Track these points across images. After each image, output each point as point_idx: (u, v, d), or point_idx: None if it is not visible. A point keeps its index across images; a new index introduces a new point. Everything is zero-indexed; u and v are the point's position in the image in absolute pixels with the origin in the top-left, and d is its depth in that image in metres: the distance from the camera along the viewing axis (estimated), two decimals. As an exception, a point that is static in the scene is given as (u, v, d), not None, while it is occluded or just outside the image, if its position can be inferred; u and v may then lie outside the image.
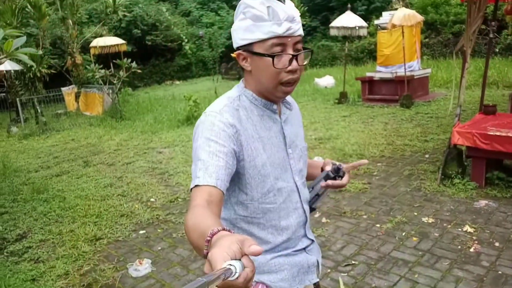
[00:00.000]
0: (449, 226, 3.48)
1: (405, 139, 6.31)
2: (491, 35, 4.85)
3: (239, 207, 1.25)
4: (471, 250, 3.06)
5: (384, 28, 10.06)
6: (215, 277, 0.60)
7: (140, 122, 10.05)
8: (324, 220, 3.82)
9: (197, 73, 22.92)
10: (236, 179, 1.21)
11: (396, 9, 9.84)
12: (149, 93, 17.22)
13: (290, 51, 1.15)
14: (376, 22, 10.65)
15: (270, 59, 1.14)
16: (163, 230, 3.93)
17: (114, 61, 12.20)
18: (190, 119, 9.09)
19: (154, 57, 22.17)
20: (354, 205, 4.09)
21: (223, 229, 0.80)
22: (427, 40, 17.19)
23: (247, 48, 1.18)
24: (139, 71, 11.62)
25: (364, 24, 9.77)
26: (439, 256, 3.01)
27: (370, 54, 18.44)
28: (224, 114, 1.18)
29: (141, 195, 4.92)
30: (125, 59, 11.21)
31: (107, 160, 6.79)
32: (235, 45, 1.26)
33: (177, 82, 21.55)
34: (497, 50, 15.32)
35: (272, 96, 1.23)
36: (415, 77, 9.65)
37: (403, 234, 3.41)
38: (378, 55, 10.37)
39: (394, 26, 8.62)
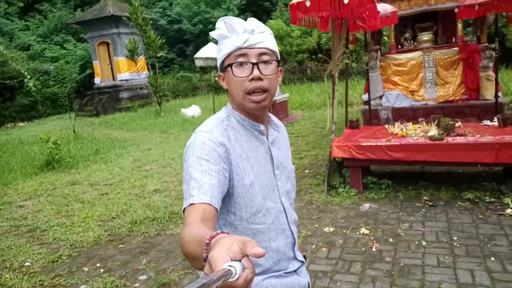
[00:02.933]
0: (348, 231, 3.81)
1: (284, 159, 6.73)
2: (346, 61, 5.61)
3: (228, 229, 1.24)
4: (373, 249, 3.39)
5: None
6: (215, 278, 0.60)
7: (-17, 174, 8.41)
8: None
9: (44, 112, 20.50)
10: (226, 199, 1.21)
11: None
12: (-14, 140, 14.63)
13: (254, 60, 1.18)
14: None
15: (233, 68, 1.19)
16: (52, 297, 3.31)
17: None
18: (51, 163, 8.00)
19: (-13, 97, 19.09)
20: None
21: (222, 232, 0.80)
22: (277, 68, 18.92)
23: (221, 67, 1.26)
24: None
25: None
26: (350, 261, 3.25)
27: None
28: (214, 133, 1.20)
29: (10, 261, 4.06)
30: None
31: None
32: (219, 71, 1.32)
33: (21, 124, 18.87)
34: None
35: (245, 108, 1.24)
36: (277, 102, 10.48)
37: (313, 246, 3.58)
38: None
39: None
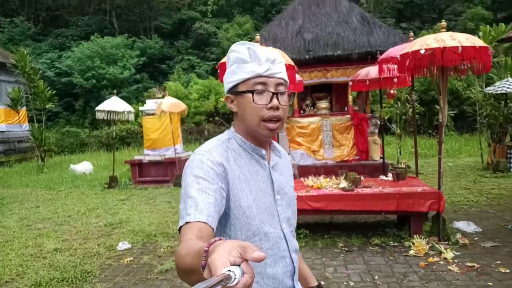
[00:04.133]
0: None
1: (197, 214, 6.64)
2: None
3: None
4: None
5: (149, 114, 10.61)
6: (214, 283, 0.60)
7: None
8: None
9: None
10: (221, 221, 1.20)
11: (160, 97, 10.64)
12: None
13: (272, 90, 1.23)
14: (141, 108, 11.10)
15: (251, 95, 1.21)
16: None
17: None
18: None
19: None
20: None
21: (220, 239, 0.80)
22: (174, 128, 18.98)
23: (233, 90, 1.26)
24: None
25: (132, 109, 10.03)
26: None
27: (122, 140, 18.60)
28: (213, 153, 1.20)
29: None
30: None
31: None
32: (225, 92, 1.32)
33: None
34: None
35: (258, 135, 1.26)
36: (182, 158, 10.44)
37: None
38: (145, 139, 10.71)
39: (163, 112, 9.27)
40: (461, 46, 4.12)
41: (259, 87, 1.22)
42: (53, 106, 15.62)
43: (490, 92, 8.72)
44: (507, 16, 21.14)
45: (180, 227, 1.08)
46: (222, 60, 4.87)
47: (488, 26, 10.58)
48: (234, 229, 1.20)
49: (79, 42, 24.88)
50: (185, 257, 0.93)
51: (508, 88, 8.26)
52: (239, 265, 0.67)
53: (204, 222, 1.06)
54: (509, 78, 8.57)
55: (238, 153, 1.26)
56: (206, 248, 0.78)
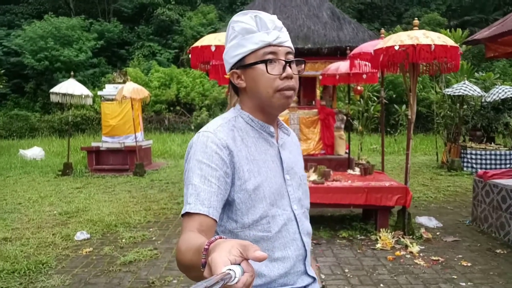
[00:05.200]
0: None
1: (160, 204, 6.41)
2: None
3: (227, 236, 1.15)
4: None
5: (108, 99, 10.11)
6: (214, 281, 0.60)
7: None
8: (131, 296, 3.32)
9: None
10: (226, 205, 1.14)
11: (121, 82, 10.16)
12: None
13: (283, 58, 1.15)
14: (100, 93, 10.55)
15: (263, 65, 1.13)
16: None
17: None
18: None
19: None
20: (156, 273, 3.77)
21: (220, 238, 0.78)
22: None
23: (239, 64, 1.18)
24: None
25: (90, 93, 9.50)
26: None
27: (76, 126, 17.71)
28: (218, 134, 1.13)
29: None
30: None
31: None
32: (227, 68, 1.24)
33: None
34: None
35: (271, 108, 1.18)
36: (142, 147, 10.07)
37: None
38: (104, 125, 10.22)
39: (124, 97, 8.85)
40: (434, 44, 4.20)
41: (270, 56, 1.14)
42: (1, 86, 14.56)
43: (448, 93, 9.10)
44: (459, 23, 22.31)
45: (183, 214, 1.05)
46: (194, 45, 4.66)
47: (447, 30, 11.02)
48: (240, 214, 1.13)
49: (30, 20, 23.36)
50: (185, 253, 0.91)
51: (465, 90, 8.65)
52: (239, 264, 0.66)
53: (205, 215, 1.03)
54: (466, 81, 8.98)
55: (245, 131, 1.19)
56: (206, 247, 0.77)
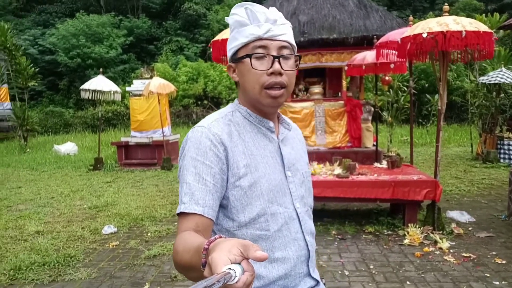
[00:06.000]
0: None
1: (185, 198, 6.47)
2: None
3: (224, 235, 1.08)
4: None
5: (136, 95, 10.29)
6: (214, 281, 0.60)
7: None
8: (154, 290, 3.36)
9: None
10: (223, 202, 1.10)
11: (148, 78, 10.31)
12: None
13: (274, 53, 1.09)
14: (128, 88, 10.75)
15: (249, 60, 1.09)
16: None
17: None
18: None
19: None
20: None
21: (220, 237, 0.77)
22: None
23: (233, 57, 1.16)
24: None
25: (119, 89, 9.70)
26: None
27: (108, 122, 18.20)
28: (213, 129, 1.09)
29: None
30: None
31: None
32: (229, 62, 1.21)
33: None
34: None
35: (260, 105, 1.14)
36: (170, 142, 10.20)
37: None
38: (132, 120, 10.42)
39: (151, 93, 8.97)
40: (465, 31, 3.98)
41: (259, 50, 1.09)
42: (36, 84, 15.15)
43: (484, 82, 8.66)
44: (497, 8, 21.17)
45: (178, 213, 1.04)
46: (215, 38, 4.63)
47: (483, 15, 10.47)
48: (236, 212, 1.09)
49: (63, 19, 24.10)
50: (183, 254, 0.90)
51: (501, 78, 8.21)
52: (239, 264, 0.66)
53: (200, 215, 1.01)
54: (503, 69, 8.51)
55: (242, 126, 1.15)
56: (206, 246, 0.76)
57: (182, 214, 1.02)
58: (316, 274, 1.23)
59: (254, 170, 1.10)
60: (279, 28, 1.11)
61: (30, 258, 4.01)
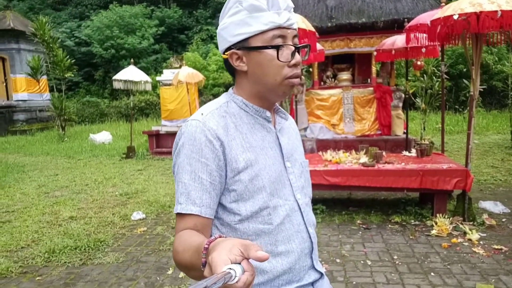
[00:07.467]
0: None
1: (212, 186, 6.57)
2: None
3: (226, 229, 1.07)
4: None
5: (166, 84, 10.47)
6: (215, 280, 0.60)
7: None
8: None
9: None
10: (222, 197, 1.06)
11: (177, 67, 10.44)
12: None
13: (291, 43, 1.06)
14: (158, 78, 10.96)
15: (274, 51, 1.03)
16: None
17: None
18: None
19: None
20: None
21: (220, 236, 0.76)
22: (193, 99, 18.92)
23: (242, 45, 1.06)
24: None
25: (149, 79, 9.90)
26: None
27: (141, 111, 18.66)
28: (207, 123, 1.03)
29: None
30: None
31: None
32: (224, 46, 1.11)
33: None
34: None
35: (275, 95, 1.10)
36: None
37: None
38: (162, 110, 10.62)
39: (180, 82, 9.09)
40: (501, 10, 3.75)
41: (279, 41, 1.04)
42: (73, 75, 15.68)
43: (525, 65, 8.17)
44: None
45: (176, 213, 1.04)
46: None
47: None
48: (237, 206, 1.05)
49: (98, 11, 24.72)
50: (183, 254, 0.91)
51: (545, 61, 7.71)
52: (239, 263, 0.66)
53: (197, 215, 0.99)
54: (547, 50, 7.98)
55: (239, 117, 1.09)
56: (206, 246, 0.76)
57: (179, 214, 1.01)
58: (320, 267, 1.20)
59: (255, 162, 1.06)
60: (293, 15, 1.09)
61: (63, 242, 4.21)
